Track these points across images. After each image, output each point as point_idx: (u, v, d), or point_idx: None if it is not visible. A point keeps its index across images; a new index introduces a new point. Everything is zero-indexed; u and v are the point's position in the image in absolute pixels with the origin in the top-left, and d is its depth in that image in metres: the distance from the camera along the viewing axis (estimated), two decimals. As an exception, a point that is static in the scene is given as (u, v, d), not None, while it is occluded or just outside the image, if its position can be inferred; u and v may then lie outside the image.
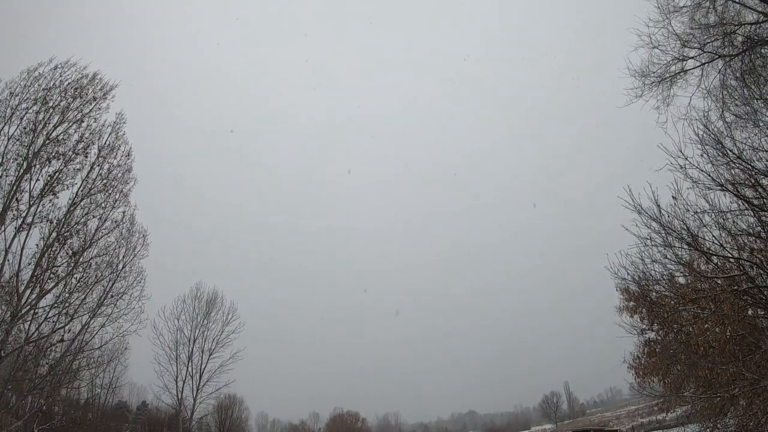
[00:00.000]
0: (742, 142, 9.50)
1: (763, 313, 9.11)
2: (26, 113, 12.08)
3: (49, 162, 12.11)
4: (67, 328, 12.45)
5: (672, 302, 10.41)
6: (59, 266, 12.07)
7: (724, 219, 9.10)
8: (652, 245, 9.84)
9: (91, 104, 12.87)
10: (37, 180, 11.92)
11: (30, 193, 11.78)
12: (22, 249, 11.59)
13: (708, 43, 11.28)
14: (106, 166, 12.97)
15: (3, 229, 11.47)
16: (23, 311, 11.48)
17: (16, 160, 11.81)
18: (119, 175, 13.19)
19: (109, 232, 13.20)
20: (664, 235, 9.45)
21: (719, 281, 8.71)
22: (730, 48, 11.24)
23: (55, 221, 12.03)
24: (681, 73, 11.60)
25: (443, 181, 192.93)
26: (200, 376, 32.67)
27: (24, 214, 11.68)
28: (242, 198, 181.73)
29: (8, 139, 11.84)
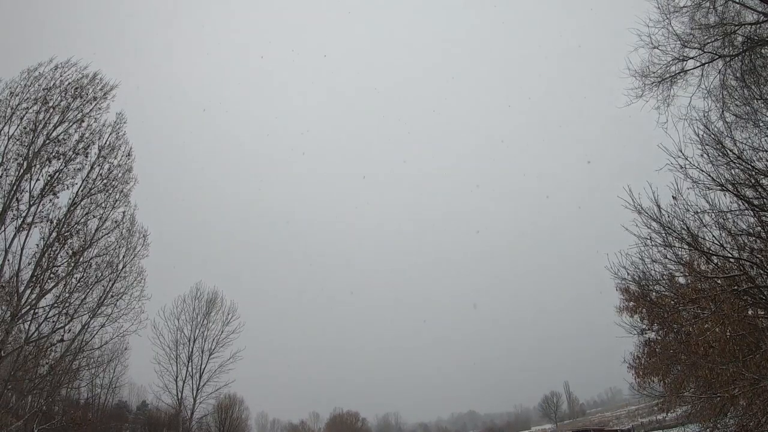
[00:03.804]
0: (742, 142, 9.52)
1: (763, 313, 9.10)
2: (26, 113, 12.05)
3: (50, 162, 12.08)
4: (67, 328, 12.42)
5: (672, 302, 10.41)
6: (59, 266, 12.05)
7: (724, 219, 9.10)
8: (652, 245, 9.83)
9: (91, 104, 12.85)
10: (38, 180, 11.88)
11: (30, 193, 11.75)
12: (22, 249, 11.57)
13: (708, 43, 11.28)
14: (106, 166, 12.94)
15: (3, 229, 11.44)
16: (23, 311, 11.46)
17: (17, 159, 11.78)
18: (119, 175, 13.17)
19: (109, 232, 13.18)
20: (664, 235, 9.44)
21: (719, 281, 8.70)
22: (730, 48, 11.24)
23: (55, 221, 12.00)
24: (681, 74, 11.60)
25: (446, 182, 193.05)
26: (200, 376, 32.70)
27: (24, 214, 11.65)
28: (242, 199, 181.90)
29: (8, 139, 11.80)
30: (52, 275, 11.89)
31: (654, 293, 11.55)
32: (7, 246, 11.42)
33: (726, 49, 11.23)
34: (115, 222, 13.28)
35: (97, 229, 12.83)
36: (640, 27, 11.48)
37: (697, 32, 11.30)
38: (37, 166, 11.91)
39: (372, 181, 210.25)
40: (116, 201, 13.16)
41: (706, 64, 11.42)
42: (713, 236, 9.11)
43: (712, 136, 9.10)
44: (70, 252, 12.19)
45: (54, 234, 11.99)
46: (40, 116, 12.13)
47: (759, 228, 9.05)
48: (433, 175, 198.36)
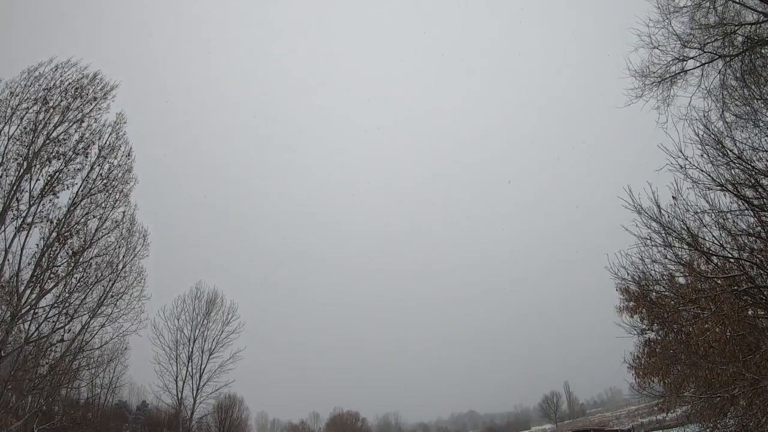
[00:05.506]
0: (742, 142, 9.51)
1: (763, 313, 9.10)
2: (26, 113, 12.06)
3: (50, 162, 12.10)
4: (67, 328, 12.45)
5: (672, 302, 10.39)
6: (59, 266, 12.06)
7: (724, 219, 9.09)
8: (652, 245, 9.82)
9: (91, 104, 12.86)
10: (38, 180, 11.90)
11: (30, 193, 11.77)
12: (22, 249, 11.58)
13: (708, 43, 11.28)
14: (106, 166, 12.96)
15: (3, 229, 11.45)
16: (23, 311, 11.47)
17: (17, 160, 11.80)
18: (119, 175, 13.18)
19: (109, 232, 13.20)
20: (664, 235, 9.43)
21: (719, 281, 8.70)
22: (731, 48, 11.24)
23: (55, 221, 12.02)
24: (681, 74, 11.59)
25: (446, 189, 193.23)
26: (200, 376, 32.68)
27: (24, 214, 11.67)
28: (242, 200, 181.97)
29: (8, 139, 11.82)
30: (52, 275, 11.90)
31: (654, 293, 11.53)
32: (7, 246, 11.43)
33: (726, 49, 11.22)
34: (115, 222, 13.30)
35: (97, 229, 12.85)
36: (640, 27, 11.48)
37: (697, 32, 11.30)
38: (37, 166, 11.92)
39: (374, 184, 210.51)
40: (116, 201, 13.19)
41: (706, 64, 11.41)
42: (713, 236, 9.11)
43: (712, 136, 9.10)
44: (70, 252, 12.20)
45: (54, 234, 12.00)
46: (40, 116, 12.14)
47: (759, 228, 9.04)
48: (438, 182, 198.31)
